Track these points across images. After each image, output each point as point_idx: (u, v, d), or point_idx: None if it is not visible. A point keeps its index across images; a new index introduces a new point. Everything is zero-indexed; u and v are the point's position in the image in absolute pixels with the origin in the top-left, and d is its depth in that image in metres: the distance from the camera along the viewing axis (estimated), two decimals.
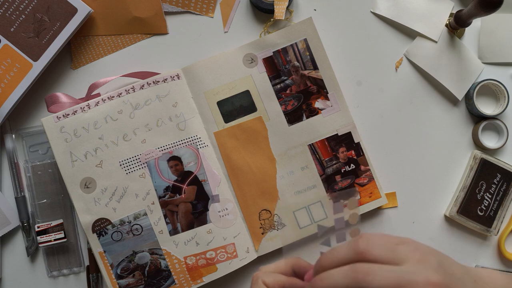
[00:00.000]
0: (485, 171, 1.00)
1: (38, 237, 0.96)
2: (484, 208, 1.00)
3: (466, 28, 1.02)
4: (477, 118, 1.04)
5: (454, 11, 1.02)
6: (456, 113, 1.04)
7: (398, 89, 1.03)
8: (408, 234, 1.01)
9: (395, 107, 1.03)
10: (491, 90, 1.03)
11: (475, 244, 1.03)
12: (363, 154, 0.99)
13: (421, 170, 1.03)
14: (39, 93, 1.00)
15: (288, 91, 0.98)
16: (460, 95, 1.02)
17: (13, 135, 1.00)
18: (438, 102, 1.03)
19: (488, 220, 1.00)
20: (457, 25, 1.00)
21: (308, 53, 0.98)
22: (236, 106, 0.97)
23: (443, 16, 1.03)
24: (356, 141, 0.99)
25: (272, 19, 1.00)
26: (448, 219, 1.02)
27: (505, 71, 1.04)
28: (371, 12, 1.04)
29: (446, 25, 1.02)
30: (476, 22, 1.03)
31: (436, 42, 1.02)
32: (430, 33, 1.02)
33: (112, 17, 1.01)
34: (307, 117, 0.98)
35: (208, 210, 0.95)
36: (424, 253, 0.61)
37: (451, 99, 1.04)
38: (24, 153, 1.00)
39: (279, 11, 0.97)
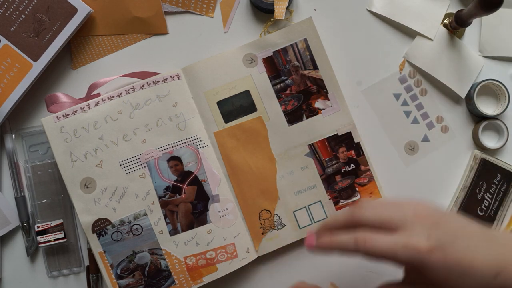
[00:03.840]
0: (485, 171, 1.00)
1: (38, 237, 0.96)
2: (484, 208, 1.00)
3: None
4: (477, 118, 1.04)
5: (451, 10, 1.02)
6: (457, 113, 1.04)
7: (398, 89, 1.03)
8: None
9: (395, 107, 1.03)
10: (492, 90, 1.03)
11: None
12: (363, 154, 0.99)
13: (421, 169, 1.03)
14: (39, 93, 1.00)
15: (288, 91, 0.98)
16: (462, 93, 1.02)
17: (13, 135, 1.00)
18: (438, 102, 1.03)
19: (488, 220, 1.00)
20: (457, 25, 1.00)
21: (308, 53, 0.98)
22: (236, 106, 0.97)
23: (439, 14, 1.03)
24: (356, 141, 0.99)
25: (272, 19, 0.99)
26: None
27: (505, 71, 1.04)
28: (367, 10, 1.04)
29: (446, 25, 1.03)
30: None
31: (432, 40, 1.02)
32: (426, 31, 1.02)
33: (112, 17, 1.01)
34: (307, 117, 0.98)
35: (208, 210, 0.95)
36: (421, 217, 0.70)
37: (452, 99, 1.04)
38: (24, 153, 1.00)
39: (279, 11, 0.97)
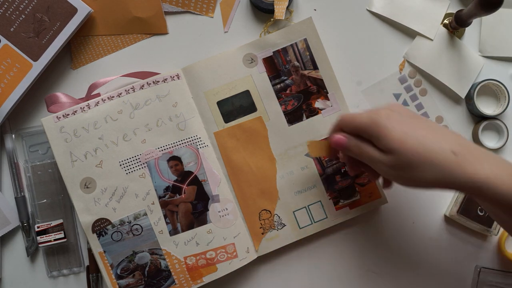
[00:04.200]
0: None
1: (38, 237, 0.96)
2: None
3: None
4: (477, 118, 1.04)
5: (451, 10, 1.02)
6: (457, 113, 1.04)
7: (398, 89, 1.03)
8: (408, 234, 1.01)
9: None
10: (492, 90, 1.03)
11: (475, 244, 1.03)
12: None
13: None
14: (39, 93, 1.00)
15: (288, 91, 0.98)
16: (462, 93, 1.02)
17: (13, 135, 1.00)
18: (438, 102, 1.03)
19: (488, 220, 0.99)
20: (457, 25, 1.00)
21: (308, 53, 0.98)
22: (236, 106, 0.97)
23: (439, 14, 1.03)
24: None
25: (272, 19, 0.99)
26: (448, 219, 1.02)
27: (505, 71, 1.04)
28: (367, 10, 1.04)
29: (446, 25, 1.03)
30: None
31: (432, 40, 1.02)
32: (426, 31, 1.02)
33: (112, 17, 1.01)
34: (307, 117, 0.98)
35: (208, 210, 0.95)
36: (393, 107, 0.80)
37: (452, 99, 1.04)
38: (24, 153, 1.00)
39: (279, 11, 0.97)
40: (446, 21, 1.03)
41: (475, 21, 1.03)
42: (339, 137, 0.83)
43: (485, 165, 0.71)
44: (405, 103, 1.03)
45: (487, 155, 0.73)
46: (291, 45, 0.98)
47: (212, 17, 1.03)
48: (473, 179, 0.70)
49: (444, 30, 1.03)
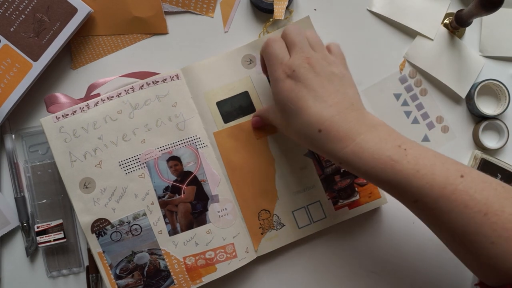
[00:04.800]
0: (486, 171, 0.99)
1: (38, 237, 0.96)
2: None
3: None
4: (477, 118, 1.04)
5: (452, 10, 1.02)
6: (457, 113, 1.04)
7: (398, 89, 1.03)
8: (408, 234, 1.01)
9: (396, 107, 1.03)
10: (492, 90, 1.03)
11: None
12: None
13: None
14: (39, 93, 1.00)
15: None
16: (462, 93, 1.02)
17: (13, 135, 1.00)
18: (438, 102, 1.03)
19: None
20: (458, 24, 1.00)
21: None
22: (235, 107, 0.97)
23: (440, 14, 1.03)
24: None
25: (271, 19, 0.99)
26: None
27: (505, 71, 1.04)
28: (367, 10, 1.04)
29: (446, 25, 1.03)
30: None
31: (432, 40, 1.02)
32: (426, 31, 1.02)
33: (112, 17, 1.01)
34: None
35: (207, 210, 0.95)
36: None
37: (452, 99, 1.04)
38: (24, 153, 1.00)
39: (279, 11, 0.97)
40: (446, 21, 1.03)
41: (476, 21, 1.03)
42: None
43: (343, 147, 0.75)
44: (405, 103, 1.03)
45: (352, 135, 0.76)
46: None
47: (212, 17, 1.03)
48: (334, 155, 0.76)
49: (444, 30, 1.03)
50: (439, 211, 0.72)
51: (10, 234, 1.00)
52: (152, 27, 1.02)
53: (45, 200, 0.99)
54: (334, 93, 0.79)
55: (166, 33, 1.03)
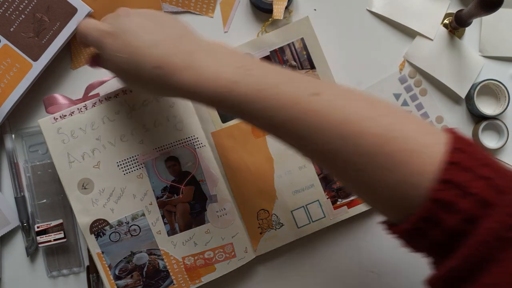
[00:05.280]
0: None
1: (38, 237, 0.96)
2: None
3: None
4: (477, 118, 1.04)
5: (451, 10, 1.02)
6: (457, 113, 1.04)
7: (398, 89, 1.03)
8: None
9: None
10: (492, 90, 1.03)
11: None
12: None
13: None
14: (39, 93, 1.00)
15: None
16: (462, 93, 1.02)
17: (13, 135, 1.00)
18: (438, 102, 1.03)
19: None
20: (458, 25, 1.00)
21: (305, 53, 0.98)
22: None
23: (439, 14, 1.03)
24: None
25: (270, 19, 0.99)
26: None
27: (505, 71, 1.04)
28: (367, 10, 1.04)
29: (446, 25, 1.02)
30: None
31: (432, 40, 1.02)
32: (426, 31, 1.02)
33: None
34: None
35: (206, 210, 0.95)
36: (120, 11, 0.82)
37: (452, 99, 1.03)
38: (24, 153, 1.00)
39: (278, 11, 0.97)
40: (446, 21, 1.03)
41: (475, 21, 1.03)
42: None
43: (185, 75, 0.71)
44: (405, 103, 1.03)
45: (189, 63, 0.72)
46: (288, 44, 0.98)
47: (212, 17, 1.03)
48: (177, 90, 0.73)
49: (444, 30, 1.03)
50: (296, 135, 0.66)
51: (10, 234, 1.00)
52: None
53: (45, 200, 0.99)
54: (158, 29, 0.76)
55: None
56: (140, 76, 0.74)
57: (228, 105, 0.69)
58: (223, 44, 0.76)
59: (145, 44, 0.73)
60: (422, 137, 0.61)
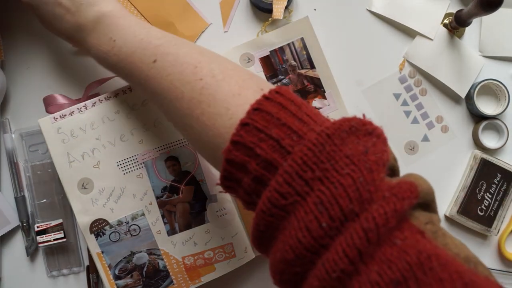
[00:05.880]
0: (485, 171, 0.99)
1: (38, 237, 0.96)
2: (484, 208, 1.00)
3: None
4: (477, 118, 1.04)
5: (451, 10, 1.02)
6: (457, 113, 1.04)
7: (398, 89, 1.03)
8: None
9: (395, 107, 1.03)
10: (492, 90, 1.03)
11: (475, 244, 1.03)
12: None
13: (421, 169, 1.02)
14: (39, 93, 1.00)
15: None
16: (462, 93, 1.02)
17: (13, 135, 1.00)
18: (438, 101, 1.03)
19: (488, 220, 0.99)
20: (457, 24, 1.00)
21: (304, 52, 0.98)
22: None
23: (439, 14, 1.03)
24: None
25: (270, 19, 0.99)
26: (448, 219, 1.02)
27: (505, 71, 1.04)
28: (367, 10, 1.04)
29: (446, 25, 1.02)
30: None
31: (432, 40, 1.02)
32: (426, 31, 1.02)
33: None
34: None
35: (206, 210, 0.95)
36: None
37: (452, 98, 1.04)
38: (24, 153, 1.00)
39: (277, 11, 0.97)
40: (446, 21, 1.03)
41: (475, 21, 1.03)
42: None
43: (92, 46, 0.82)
44: (405, 102, 1.03)
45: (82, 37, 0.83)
46: (288, 44, 0.98)
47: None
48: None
49: (444, 30, 1.03)
50: (146, 93, 0.79)
51: (10, 233, 1.00)
52: None
53: (45, 200, 0.99)
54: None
55: None
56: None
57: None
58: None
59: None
60: (231, 99, 0.65)
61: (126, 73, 0.79)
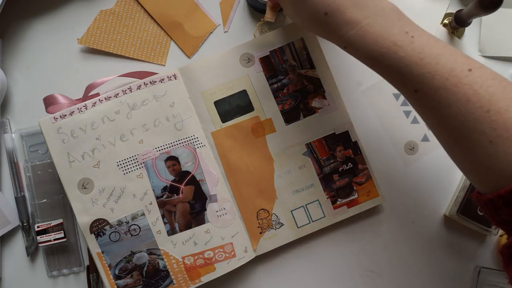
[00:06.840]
0: None
1: (38, 237, 0.97)
2: None
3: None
4: None
5: (451, 10, 1.02)
6: None
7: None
8: (408, 234, 1.01)
9: (395, 107, 1.03)
10: None
11: (475, 244, 1.02)
12: (361, 153, 0.99)
13: (420, 169, 1.03)
14: (39, 93, 1.00)
15: (285, 91, 0.98)
16: None
17: (13, 135, 1.00)
18: None
19: (488, 220, 0.99)
20: (457, 25, 1.00)
21: (305, 52, 0.98)
22: (233, 106, 0.97)
23: (439, 14, 1.03)
24: (353, 140, 0.99)
25: (262, 19, 0.99)
26: (448, 219, 1.02)
27: (505, 71, 1.04)
28: None
29: (446, 25, 1.02)
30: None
31: None
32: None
33: None
34: (304, 116, 0.98)
35: (206, 210, 0.95)
36: None
37: None
38: (24, 152, 1.00)
39: (269, 13, 0.97)
40: (446, 21, 1.03)
41: (475, 21, 1.03)
42: None
43: (347, 30, 0.76)
44: (405, 102, 1.03)
45: (358, 18, 0.75)
46: (288, 44, 0.98)
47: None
48: (338, 39, 0.78)
49: (444, 30, 1.03)
50: (438, 103, 0.70)
51: (11, 233, 1.00)
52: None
53: (45, 200, 0.99)
54: None
55: None
56: (305, 11, 0.79)
57: (384, 66, 0.75)
58: (394, 7, 0.77)
59: None
60: None
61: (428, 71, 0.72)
